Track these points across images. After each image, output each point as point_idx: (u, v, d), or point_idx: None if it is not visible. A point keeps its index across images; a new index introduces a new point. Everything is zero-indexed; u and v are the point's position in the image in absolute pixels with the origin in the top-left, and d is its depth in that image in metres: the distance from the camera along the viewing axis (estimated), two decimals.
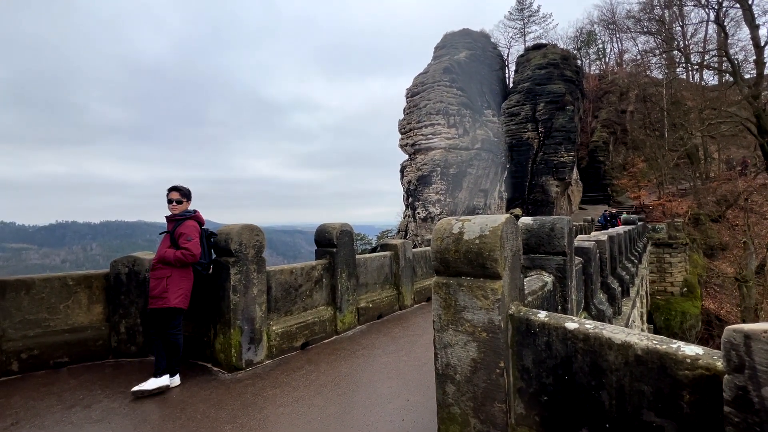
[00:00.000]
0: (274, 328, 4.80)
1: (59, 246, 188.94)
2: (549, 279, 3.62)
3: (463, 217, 2.50)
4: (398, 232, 32.37)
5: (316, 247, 6.07)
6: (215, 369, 4.39)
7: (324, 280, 5.73)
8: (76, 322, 4.62)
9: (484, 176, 30.83)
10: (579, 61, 44.84)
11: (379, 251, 7.70)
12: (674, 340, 1.82)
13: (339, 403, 3.54)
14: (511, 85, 39.94)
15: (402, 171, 31.10)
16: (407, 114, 30.98)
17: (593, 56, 55.10)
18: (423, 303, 7.95)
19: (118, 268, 4.83)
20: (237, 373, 4.25)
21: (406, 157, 30.73)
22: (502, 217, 2.36)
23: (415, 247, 8.67)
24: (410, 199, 30.06)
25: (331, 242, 5.87)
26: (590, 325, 2.04)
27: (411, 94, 31.33)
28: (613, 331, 1.94)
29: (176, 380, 3.95)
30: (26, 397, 3.69)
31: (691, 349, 1.71)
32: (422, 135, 29.16)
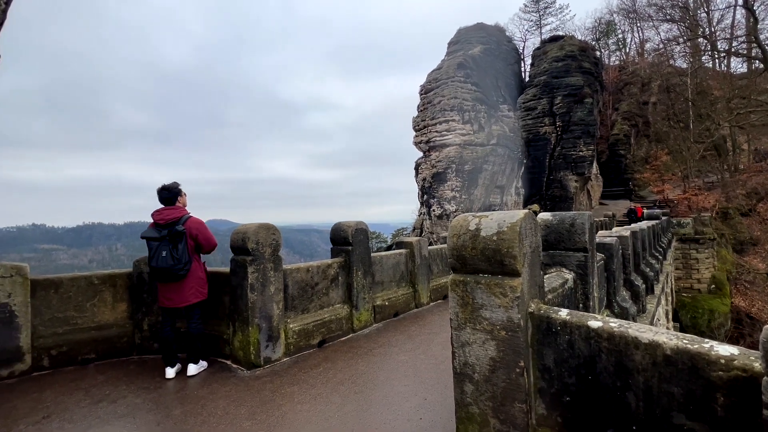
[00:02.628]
0: (291, 325, 4.84)
1: (86, 246, 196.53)
2: (569, 276, 3.52)
3: (479, 214, 2.45)
4: (413, 230, 32.25)
5: (331, 246, 6.10)
6: (234, 366, 4.46)
7: (340, 278, 5.75)
8: (102, 320, 4.78)
9: (500, 172, 30.37)
10: (598, 53, 43.61)
11: (394, 249, 7.67)
12: (706, 340, 1.73)
13: (356, 401, 3.54)
14: (527, 78, 39.22)
15: (417, 168, 30.94)
16: (421, 111, 30.77)
17: (613, 47, 53.58)
18: (439, 301, 7.89)
19: (141, 267, 4.96)
20: (256, 370, 4.31)
21: (421, 154, 30.55)
22: (521, 213, 2.30)
23: (430, 244, 8.61)
24: (425, 196, 29.89)
25: (347, 240, 5.88)
26: (615, 324, 1.96)
27: (425, 90, 31.10)
28: (640, 330, 1.86)
29: (170, 372, 4.16)
30: (57, 392, 3.84)
31: (725, 349, 1.63)
32: (437, 132, 28.92)
